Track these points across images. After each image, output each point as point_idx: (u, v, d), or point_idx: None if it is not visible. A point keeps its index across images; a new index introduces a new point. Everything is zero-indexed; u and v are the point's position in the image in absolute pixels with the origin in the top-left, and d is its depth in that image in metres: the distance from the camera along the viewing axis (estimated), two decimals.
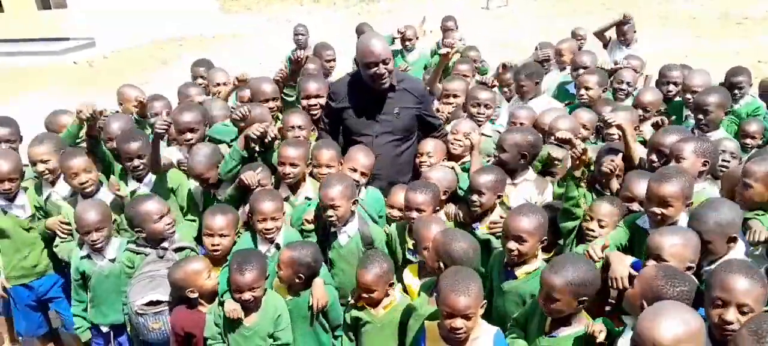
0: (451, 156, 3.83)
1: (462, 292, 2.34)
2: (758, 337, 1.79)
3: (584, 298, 2.34)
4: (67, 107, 4.43)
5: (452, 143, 3.82)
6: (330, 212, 3.14)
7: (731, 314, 2.05)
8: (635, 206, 2.99)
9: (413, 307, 2.78)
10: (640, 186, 2.98)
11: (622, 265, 2.49)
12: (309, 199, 3.57)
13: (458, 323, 2.35)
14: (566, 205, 3.05)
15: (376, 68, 3.53)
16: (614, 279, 2.48)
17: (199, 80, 5.21)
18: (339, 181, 3.19)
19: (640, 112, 4.11)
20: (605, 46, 6.27)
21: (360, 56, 3.58)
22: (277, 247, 3.18)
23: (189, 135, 3.90)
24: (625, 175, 3.20)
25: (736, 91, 4.40)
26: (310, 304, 2.96)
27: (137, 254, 3.28)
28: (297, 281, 2.94)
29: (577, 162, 3.02)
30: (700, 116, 3.80)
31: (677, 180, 2.71)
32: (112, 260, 3.32)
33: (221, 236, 3.16)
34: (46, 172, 3.67)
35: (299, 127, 3.81)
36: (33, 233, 3.73)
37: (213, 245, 3.14)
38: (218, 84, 5.03)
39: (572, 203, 3.04)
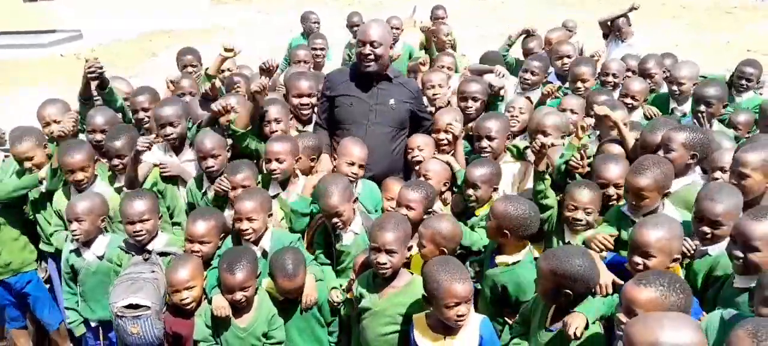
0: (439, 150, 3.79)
1: (464, 278, 2.41)
2: (757, 339, 1.75)
3: (567, 290, 2.34)
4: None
5: (438, 140, 3.79)
6: (335, 220, 3.09)
7: None
8: (611, 191, 3.07)
9: (366, 307, 2.76)
10: (609, 170, 3.07)
11: (605, 274, 2.56)
12: (301, 196, 3.49)
13: (463, 309, 2.40)
14: (536, 198, 3.11)
15: (362, 48, 3.68)
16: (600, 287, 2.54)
17: (189, 69, 5.01)
18: (337, 186, 3.09)
19: (630, 100, 4.12)
20: (606, 36, 6.25)
21: (357, 35, 3.78)
22: (264, 255, 3.09)
23: (169, 129, 3.71)
24: (594, 160, 3.26)
25: (744, 82, 4.40)
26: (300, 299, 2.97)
27: (126, 252, 3.23)
28: None
29: (538, 155, 3.09)
30: (703, 108, 3.79)
31: (651, 171, 2.77)
32: (101, 257, 3.26)
33: (201, 242, 3.06)
34: (33, 168, 3.65)
35: (276, 120, 3.74)
36: (4, 230, 3.72)
37: (193, 252, 3.05)
38: (222, 71, 4.96)
39: (540, 196, 3.10)
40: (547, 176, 3.11)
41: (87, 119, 3.86)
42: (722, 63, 6.15)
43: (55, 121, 3.91)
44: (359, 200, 3.41)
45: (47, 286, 4.06)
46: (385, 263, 2.65)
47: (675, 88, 4.27)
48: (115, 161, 3.59)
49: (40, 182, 3.61)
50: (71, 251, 3.31)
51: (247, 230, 3.06)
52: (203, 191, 3.62)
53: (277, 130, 3.71)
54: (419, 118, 3.97)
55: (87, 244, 3.25)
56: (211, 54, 5.54)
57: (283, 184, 3.52)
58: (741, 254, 2.31)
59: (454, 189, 3.57)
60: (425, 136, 3.82)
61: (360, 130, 3.69)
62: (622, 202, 3.02)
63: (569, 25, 6.38)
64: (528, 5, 16.03)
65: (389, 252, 2.64)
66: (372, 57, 3.67)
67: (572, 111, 3.98)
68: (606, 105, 3.75)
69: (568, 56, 4.86)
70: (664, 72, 4.67)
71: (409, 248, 2.77)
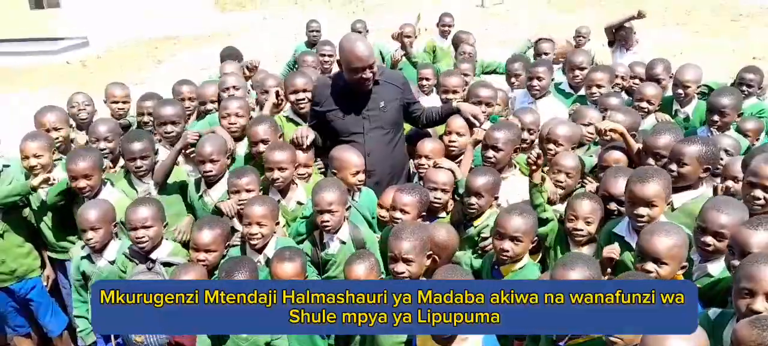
0: (449, 155, 3.74)
1: None
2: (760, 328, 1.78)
3: None
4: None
5: (449, 144, 3.75)
6: (326, 217, 3.05)
7: (759, 304, 2.03)
8: (613, 206, 3.00)
9: None
10: (618, 185, 2.97)
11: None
12: (300, 203, 3.50)
13: None
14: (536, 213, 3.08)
15: (362, 73, 3.54)
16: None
17: (187, 103, 4.50)
18: (335, 185, 3.12)
19: (645, 104, 4.11)
20: (611, 43, 6.21)
21: (345, 61, 3.58)
22: (268, 263, 3.04)
23: (170, 127, 3.84)
24: (603, 173, 3.21)
25: (745, 89, 4.35)
26: None
27: (130, 260, 3.20)
28: None
29: (533, 167, 3.05)
30: (716, 118, 3.78)
31: (657, 179, 2.71)
32: (112, 262, 3.25)
33: (207, 251, 3.03)
34: (39, 166, 3.61)
35: (263, 141, 3.67)
36: (7, 237, 3.71)
37: (198, 261, 3.02)
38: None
39: (540, 210, 3.07)
40: (543, 189, 3.09)
41: (90, 129, 3.91)
42: (727, 70, 6.11)
43: (55, 129, 3.91)
44: (357, 207, 3.41)
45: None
46: (403, 273, 2.58)
47: (680, 91, 4.27)
48: (139, 163, 3.57)
49: (34, 189, 3.59)
50: (83, 258, 3.29)
51: (256, 234, 3.05)
52: (199, 194, 3.62)
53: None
54: (408, 106, 3.91)
55: (100, 250, 3.24)
56: (215, 59, 5.57)
57: (283, 191, 3.51)
58: (737, 263, 2.30)
59: (455, 197, 3.51)
60: (435, 144, 3.75)
61: (358, 138, 3.68)
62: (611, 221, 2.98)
63: (582, 32, 6.34)
64: (530, 10, 16.02)
65: (406, 261, 2.58)
66: (371, 77, 3.60)
67: (589, 123, 3.94)
68: (615, 109, 3.73)
69: (581, 68, 4.73)
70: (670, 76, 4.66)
71: (429, 257, 2.72)
